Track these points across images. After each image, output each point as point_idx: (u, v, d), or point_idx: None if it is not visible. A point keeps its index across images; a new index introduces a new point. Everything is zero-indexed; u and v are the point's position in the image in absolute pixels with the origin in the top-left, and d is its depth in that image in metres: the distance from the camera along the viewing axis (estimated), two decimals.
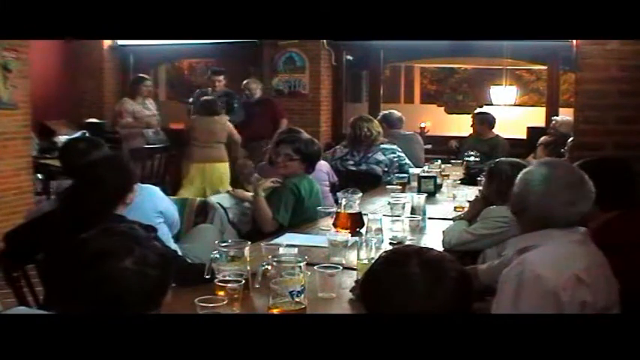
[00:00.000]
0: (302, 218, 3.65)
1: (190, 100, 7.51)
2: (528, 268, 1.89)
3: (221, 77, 7.38)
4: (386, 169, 5.23)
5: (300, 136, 3.96)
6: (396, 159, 5.29)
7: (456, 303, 1.48)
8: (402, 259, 1.52)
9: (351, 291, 2.37)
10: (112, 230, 1.62)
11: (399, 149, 5.38)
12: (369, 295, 1.57)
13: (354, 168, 5.26)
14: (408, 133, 6.15)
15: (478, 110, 7.08)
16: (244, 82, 7.38)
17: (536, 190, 2.01)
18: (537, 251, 1.96)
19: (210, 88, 7.37)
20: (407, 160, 5.35)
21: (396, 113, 6.23)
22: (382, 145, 5.33)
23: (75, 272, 1.53)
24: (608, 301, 1.93)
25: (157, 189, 3.23)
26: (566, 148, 4.78)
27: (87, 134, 7.58)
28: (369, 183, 5.02)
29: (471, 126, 6.61)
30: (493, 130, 6.50)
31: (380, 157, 5.25)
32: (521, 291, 1.87)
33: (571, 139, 4.84)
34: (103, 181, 2.65)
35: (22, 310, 1.72)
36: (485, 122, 6.49)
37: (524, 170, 2.12)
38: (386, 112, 6.32)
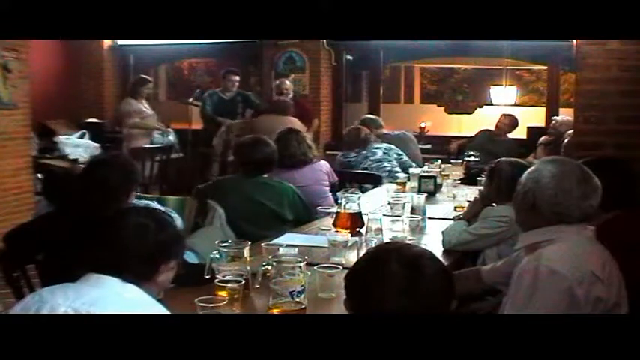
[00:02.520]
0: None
1: (190, 99, 7.49)
2: (544, 263, 1.90)
3: (237, 77, 7.31)
4: (386, 152, 5.37)
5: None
6: (394, 149, 5.43)
7: (434, 300, 1.50)
8: (382, 257, 1.56)
9: None
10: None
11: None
12: (351, 291, 1.60)
13: (354, 155, 5.35)
14: (398, 133, 6.15)
15: (509, 112, 7.01)
16: (277, 81, 7.33)
17: (548, 187, 2.02)
18: (553, 247, 1.97)
19: (219, 88, 7.33)
20: (405, 157, 5.43)
21: (372, 117, 6.24)
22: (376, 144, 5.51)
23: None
24: (618, 297, 1.95)
25: (153, 205, 3.19)
26: (562, 147, 4.79)
27: (87, 134, 7.61)
28: (370, 183, 5.05)
29: (497, 124, 6.59)
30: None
31: (380, 145, 5.46)
32: (537, 286, 1.88)
33: (567, 138, 4.85)
34: (107, 180, 2.66)
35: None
36: (513, 127, 6.58)
37: (531, 169, 2.12)
38: (363, 117, 6.30)
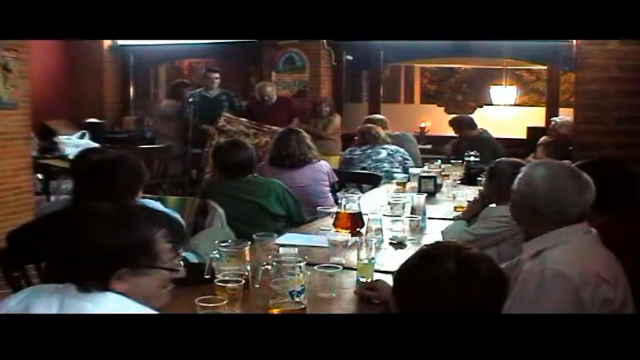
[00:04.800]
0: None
1: (190, 99, 7.49)
2: (550, 266, 1.90)
3: (217, 75, 7.35)
4: (392, 153, 5.37)
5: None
6: (401, 152, 5.44)
7: (487, 302, 1.49)
8: (439, 255, 1.54)
9: (355, 292, 2.38)
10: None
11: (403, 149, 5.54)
12: (402, 289, 1.57)
13: (359, 152, 5.38)
14: (397, 133, 6.16)
15: (451, 117, 6.99)
16: (259, 84, 7.32)
17: (543, 189, 2.02)
18: (558, 249, 1.97)
19: (202, 87, 7.36)
20: (411, 162, 5.45)
21: (378, 117, 6.25)
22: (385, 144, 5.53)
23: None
24: (624, 297, 1.96)
25: (157, 205, 3.19)
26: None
27: (87, 134, 7.62)
28: (370, 183, 5.06)
29: (455, 132, 6.59)
30: (476, 127, 6.47)
31: (388, 145, 5.47)
32: (543, 289, 1.88)
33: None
34: (114, 179, 2.64)
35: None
36: (463, 126, 6.48)
37: (521, 175, 2.13)
38: (370, 116, 6.33)
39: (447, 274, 1.48)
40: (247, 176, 3.88)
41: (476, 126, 6.47)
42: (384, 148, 5.43)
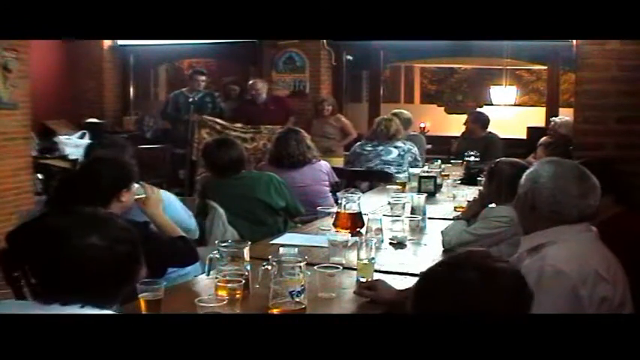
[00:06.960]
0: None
1: (190, 99, 7.45)
2: (549, 263, 1.91)
3: (204, 77, 7.42)
4: (402, 154, 5.33)
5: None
6: (411, 152, 5.40)
7: (513, 303, 1.47)
8: (463, 264, 1.50)
9: (355, 292, 2.38)
10: (72, 210, 1.65)
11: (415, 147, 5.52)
12: (424, 293, 1.52)
13: (370, 148, 5.37)
14: (413, 133, 6.20)
15: (474, 110, 7.06)
16: (250, 82, 7.35)
17: (546, 187, 2.02)
18: (557, 246, 1.97)
19: (186, 88, 7.37)
20: (420, 162, 5.44)
21: (405, 114, 6.27)
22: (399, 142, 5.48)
23: (41, 251, 1.60)
24: (623, 296, 1.95)
25: (171, 197, 3.15)
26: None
27: (87, 134, 7.62)
28: (380, 179, 5.08)
29: (464, 124, 6.59)
30: (486, 129, 6.47)
31: (401, 144, 5.40)
32: (541, 286, 1.87)
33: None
34: (97, 175, 2.59)
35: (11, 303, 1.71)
36: (477, 122, 6.48)
37: (530, 170, 2.13)
38: (396, 111, 6.35)
39: (469, 285, 1.44)
40: (241, 172, 3.88)
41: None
42: (397, 147, 5.37)
